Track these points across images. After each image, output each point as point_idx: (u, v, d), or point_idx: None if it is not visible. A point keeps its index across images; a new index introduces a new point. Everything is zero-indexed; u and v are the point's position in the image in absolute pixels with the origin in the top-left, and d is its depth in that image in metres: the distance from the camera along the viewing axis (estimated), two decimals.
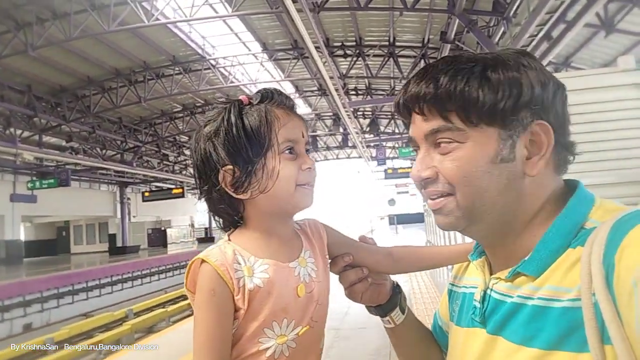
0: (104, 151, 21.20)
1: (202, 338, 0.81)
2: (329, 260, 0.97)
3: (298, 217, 0.97)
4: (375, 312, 1.02)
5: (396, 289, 1.03)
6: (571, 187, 0.74)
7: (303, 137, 0.90)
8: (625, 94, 2.96)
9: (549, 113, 0.70)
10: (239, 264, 0.83)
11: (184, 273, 0.86)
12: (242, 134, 0.85)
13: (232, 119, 0.86)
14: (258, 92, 0.91)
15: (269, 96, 0.90)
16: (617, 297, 0.54)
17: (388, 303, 1.00)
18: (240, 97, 0.90)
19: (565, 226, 0.68)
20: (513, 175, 0.69)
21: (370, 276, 0.97)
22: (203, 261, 0.82)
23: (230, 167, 0.85)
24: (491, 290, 0.75)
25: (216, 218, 0.94)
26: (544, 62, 8.62)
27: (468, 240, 0.86)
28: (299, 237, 0.95)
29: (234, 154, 0.85)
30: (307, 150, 0.92)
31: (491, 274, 0.78)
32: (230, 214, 0.91)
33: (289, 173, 0.86)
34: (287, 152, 0.87)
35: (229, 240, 0.89)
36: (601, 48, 10.86)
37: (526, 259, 0.69)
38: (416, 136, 0.76)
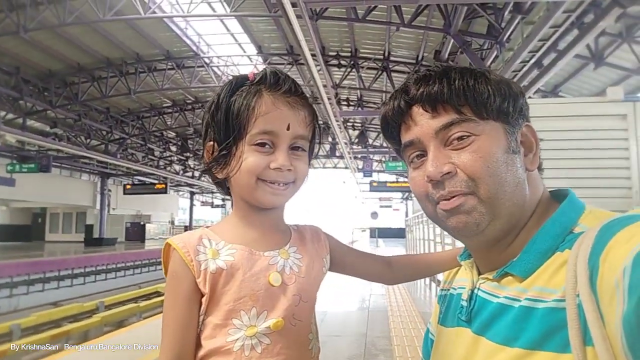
0: (88, 140, 20.86)
1: (164, 321, 0.81)
2: (328, 264, 0.93)
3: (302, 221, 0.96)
4: None
5: None
6: (562, 195, 0.75)
7: (288, 130, 0.82)
8: (610, 124, 3.00)
9: (529, 118, 0.77)
10: (205, 246, 0.82)
11: (160, 269, 0.85)
12: (222, 114, 0.83)
13: (221, 95, 0.84)
14: (263, 70, 0.86)
15: (266, 77, 0.84)
16: (600, 298, 0.54)
17: None
18: (248, 73, 0.86)
19: (554, 229, 0.68)
20: (522, 166, 0.72)
21: None
22: (168, 245, 0.83)
23: (211, 143, 0.86)
24: (478, 289, 0.76)
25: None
26: (533, 89, 8.80)
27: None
28: (290, 234, 0.91)
29: (214, 132, 0.85)
30: (296, 148, 0.85)
31: (479, 275, 0.79)
32: (222, 190, 0.91)
33: (251, 166, 0.81)
34: (258, 143, 0.81)
35: (207, 227, 0.88)
36: (589, 80, 11.10)
37: (514, 260, 0.70)
38: (422, 136, 0.74)
